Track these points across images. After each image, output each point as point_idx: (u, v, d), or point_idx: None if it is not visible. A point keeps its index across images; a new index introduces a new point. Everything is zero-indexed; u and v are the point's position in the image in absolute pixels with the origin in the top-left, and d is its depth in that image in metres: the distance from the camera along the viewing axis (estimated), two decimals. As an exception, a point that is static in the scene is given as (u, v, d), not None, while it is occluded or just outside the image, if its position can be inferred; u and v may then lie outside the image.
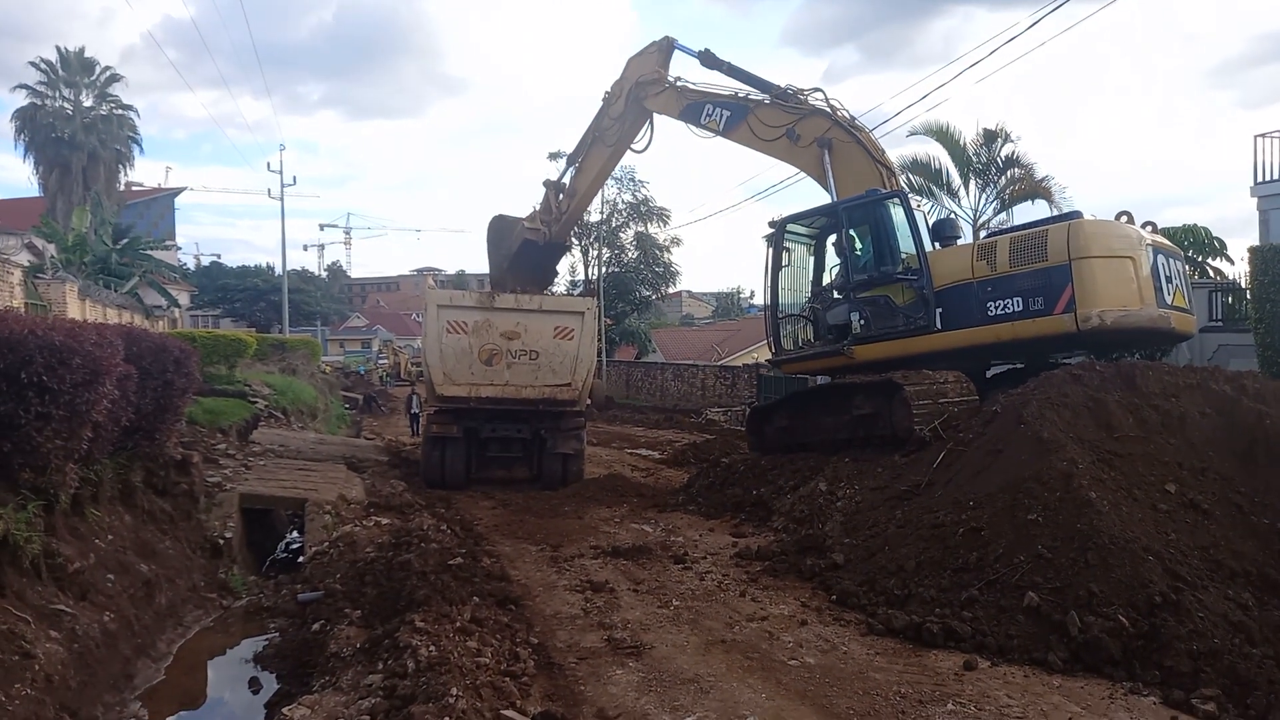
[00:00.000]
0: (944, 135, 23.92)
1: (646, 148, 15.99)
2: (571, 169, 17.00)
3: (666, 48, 15.07)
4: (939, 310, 11.64)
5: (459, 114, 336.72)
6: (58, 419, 6.99)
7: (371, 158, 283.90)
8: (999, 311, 11.13)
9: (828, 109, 13.47)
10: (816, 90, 13.70)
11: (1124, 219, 11.21)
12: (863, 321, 12.38)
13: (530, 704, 5.74)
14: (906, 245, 12.24)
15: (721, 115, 14.28)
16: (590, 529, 11.76)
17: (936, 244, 12.37)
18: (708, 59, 14.57)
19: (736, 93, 14.36)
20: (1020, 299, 10.94)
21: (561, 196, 16.95)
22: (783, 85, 13.89)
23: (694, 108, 14.63)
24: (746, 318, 62.53)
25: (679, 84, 14.96)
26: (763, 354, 39.23)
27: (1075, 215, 11.27)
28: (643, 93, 15.25)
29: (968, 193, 24.53)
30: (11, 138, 43.85)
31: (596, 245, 43.47)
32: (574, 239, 36.66)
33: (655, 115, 15.58)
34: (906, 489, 9.60)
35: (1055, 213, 22.17)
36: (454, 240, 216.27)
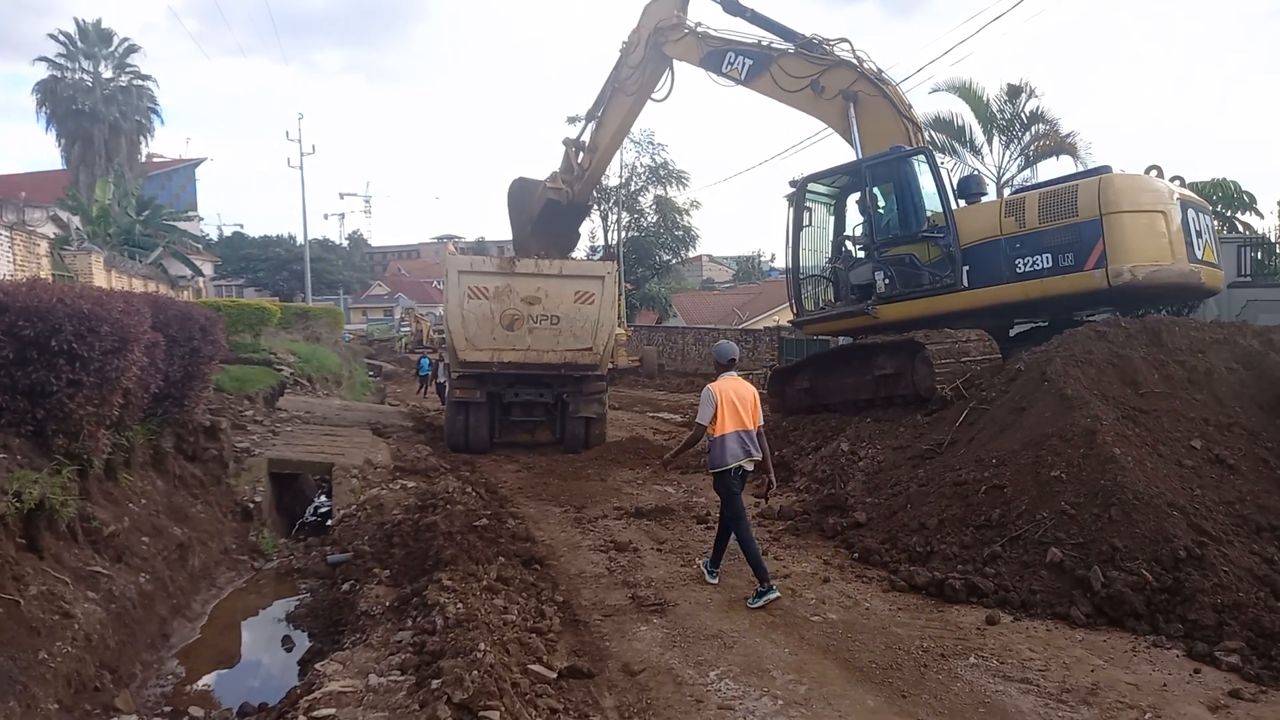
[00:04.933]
0: (967, 91, 23.45)
1: (668, 96, 15.69)
2: (591, 124, 16.75)
3: None
4: (966, 268, 11.50)
5: (476, 79, 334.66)
6: (89, 386, 7.09)
7: (390, 125, 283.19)
8: (1028, 268, 10.98)
9: (854, 60, 13.08)
10: (843, 40, 13.29)
11: (1153, 174, 11.01)
12: (887, 280, 12.22)
13: (556, 659, 5.84)
14: (931, 203, 12.03)
15: (744, 64, 13.91)
16: (613, 490, 11.85)
17: (962, 201, 12.21)
18: (730, 5, 14.18)
19: (760, 40, 13.96)
20: (1050, 255, 10.78)
21: (582, 155, 16.75)
22: (808, 35, 13.46)
23: (715, 55, 14.24)
24: (767, 281, 62.09)
25: (700, 30, 14.59)
26: (784, 317, 38.99)
27: (1104, 170, 11.06)
28: (662, 38, 14.89)
29: (991, 150, 24.07)
30: (34, 111, 43.85)
31: (616, 210, 43.27)
32: (593, 203, 36.33)
33: (676, 63, 15.22)
34: (929, 448, 9.61)
35: (1081, 169, 21.91)
36: (474, 207, 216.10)
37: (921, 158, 12.33)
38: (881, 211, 12.60)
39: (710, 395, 7.24)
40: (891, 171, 12.34)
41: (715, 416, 7.18)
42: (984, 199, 12.55)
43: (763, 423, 7.53)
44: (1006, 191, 20.07)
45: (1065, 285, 10.74)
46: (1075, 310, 11.59)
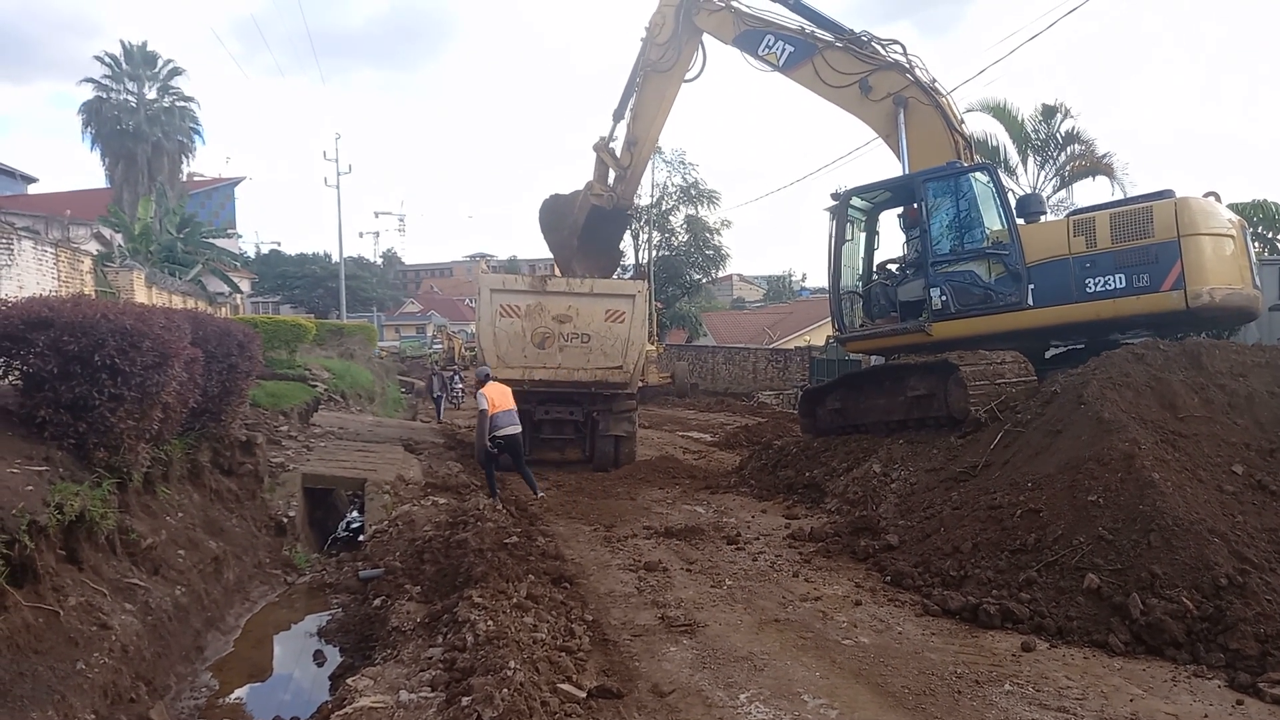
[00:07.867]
0: (1001, 111, 23.31)
1: (699, 75, 14.82)
2: (621, 123, 15.92)
3: None
4: (1031, 287, 11.25)
5: (508, 93, 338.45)
6: (129, 400, 7.22)
7: (424, 142, 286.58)
8: (1099, 288, 10.73)
9: (906, 65, 12.68)
10: (895, 43, 12.78)
11: (1211, 198, 10.88)
12: (944, 298, 11.81)
13: (586, 679, 5.83)
14: (990, 219, 11.77)
15: (783, 49, 13.30)
16: (643, 510, 11.84)
17: (1021, 220, 11.93)
18: None
19: (803, 28, 13.39)
20: (1124, 275, 10.57)
21: (620, 152, 15.92)
22: (857, 31, 12.90)
23: (751, 35, 13.58)
24: (798, 300, 61.94)
25: (735, 6, 13.94)
26: (815, 337, 38.90)
27: (1168, 194, 10.84)
28: (694, 7, 14.23)
29: (1026, 170, 23.93)
30: (80, 130, 44.91)
31: (647, 229, 43.40)
32: (634, 211, 35.96)
33: (707, 39, 14.47)
34: (962, 470, 9.50)
35: (1116, 189, 21.71)
36: (506, 225, 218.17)
37: (983, 173, 12.09)
38: (935, 227, 12.09)
39: (482, 395, 12.14)
40: (951, 186, 11.94)
41: (489, 405, 11.96)
42: (1043, 218, 12.33)
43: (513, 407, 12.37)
44: (1051, 215, 19.82)
45: (1140, 306, 10.52)
46: (1161, 330, 11.05)
